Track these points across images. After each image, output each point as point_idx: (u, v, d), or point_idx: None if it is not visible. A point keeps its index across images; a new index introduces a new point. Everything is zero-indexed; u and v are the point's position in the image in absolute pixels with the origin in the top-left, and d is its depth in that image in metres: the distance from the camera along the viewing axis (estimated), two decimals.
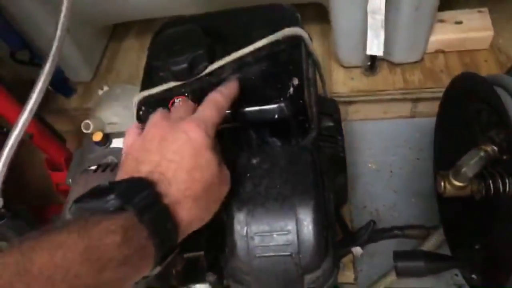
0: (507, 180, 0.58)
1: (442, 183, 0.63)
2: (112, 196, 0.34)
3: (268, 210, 0.46)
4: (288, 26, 0.62)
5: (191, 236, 0.53)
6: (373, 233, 0.85)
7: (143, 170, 0.39)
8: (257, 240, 0.45)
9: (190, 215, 0.39)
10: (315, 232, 0.45)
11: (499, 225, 0.61)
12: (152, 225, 0.34)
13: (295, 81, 0.57)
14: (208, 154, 0.41)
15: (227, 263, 0.49)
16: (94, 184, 0.48)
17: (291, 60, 0.60)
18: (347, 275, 0.80)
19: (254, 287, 0.47)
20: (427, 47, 0.91)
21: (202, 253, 0.57)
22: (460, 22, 0.89)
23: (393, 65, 0.93)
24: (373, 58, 0.87)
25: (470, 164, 0.57)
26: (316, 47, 1.00)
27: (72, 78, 1.09)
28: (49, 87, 1.05)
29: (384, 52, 0.90)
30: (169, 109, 0.59)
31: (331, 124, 0.75)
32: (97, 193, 0.36)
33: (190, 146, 0.41)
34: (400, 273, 0.67)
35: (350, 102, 0.96)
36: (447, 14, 0.90)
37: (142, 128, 0.46)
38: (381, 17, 0.75)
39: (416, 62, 0.92)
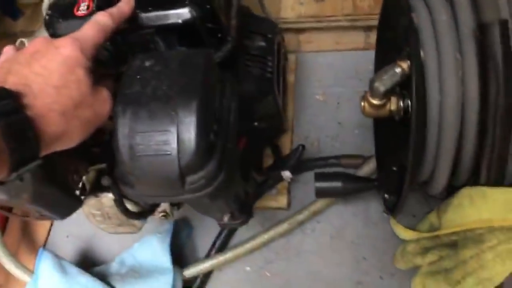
0: None
1: (362, 103, 0.61)
2: None
3: (151, 110, 0.45)
4: None
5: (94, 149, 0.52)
6: (309, 161, 0.86)
7: (10, 81, 0.39)
8: (138, 139, 0.45)
9: (56, 129, 0.40)
10: (196, 132, 0.44)
11: None
12: (7, 129, 0.35)
13: None
14: (80, 72, 0.42)
15: (115, 165, 0.49)
16: None
17: None
18: (280, 200, 0.81)
19: (138, 187, 0.47)
20: None
21: (104, 165, 0.57)
22: None
23: None
24: None
25: (383, 79, 0.55)
26: None
27: None
28: None
29: None
30: (74, 14, 0.57)
31: (263, 44, 0.73)
32: None
33: (60, 62, 0.42)
34: (319, 193, 0.67)
35: (300, 30, 0.93)
36: None
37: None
38: None
39: None
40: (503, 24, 0.44)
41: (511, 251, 0.47)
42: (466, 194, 0.50)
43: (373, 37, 0.93)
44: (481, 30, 0.45)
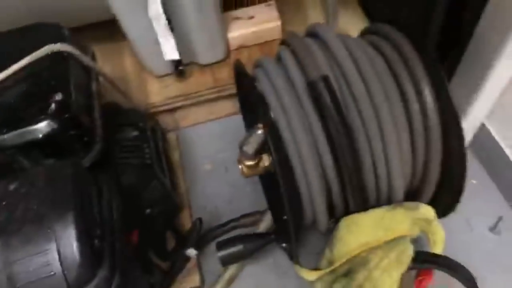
0: None
1: (240, 166, 0.66)
2: None
3: (24, 234, 0.43)
4: (52, 43, 0.61)
5: None
6: (211, 231, 0.87)
7: None
8: (16, 268, 0.42)
9: None
10: (78, 244, 0.43)
11: None
12: None
13: (58, 96, 0.56)
14: None
15: None
16: None
17: (53, 76, 0.58)
18: (192, 279, 0.80)
19: None
20: (230, 45, 0.96)
21: None
22: (252, 17, 0.96)
23: (202, 66, 0.96)
24: (176, 62, 0.89)
25: (249, 142, 0.60)
26: (128, 62, 0.99)
27: None
28: None
29: (191, 55, 0.94)
30: None
31: (136, 133, 0.75)
32: None
33: None
34: (224, 262, 0.69)
35: (173, 109, 0.97)
36: (241, 12, 0.97)
37: None
38: (163, 21, 0.77)
39: (223, 60, 0.96)
40: (325, 78, 0.52)
41: (391, 263, 0.53)
42: (344, 225, 0.56)
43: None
44: (311, 87, 0.53)
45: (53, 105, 0.54)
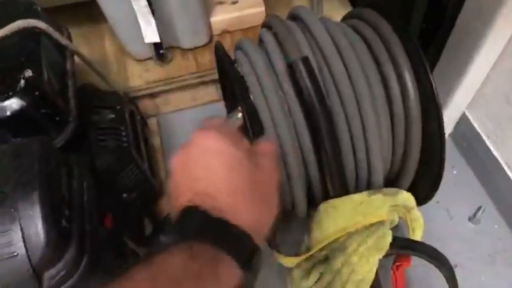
0: None
1: None
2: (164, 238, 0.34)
3: None
4: (22, 19, 0.58)
5: None
6: None
7: (187, 196, 0.36)
8: None
9: (250, 215, 0.36)
10: (43, 224, 0.41)
11: None
12: (214, 237, 0.33)
13: (28, 73, 0.53)
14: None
15: None
16: None
17: (23, 53, 0.56)
18: None
19: None
20: (213, 29, 0.94)
21: None
22: (236, 2, 0.94)
23: (185, 51, 0.94)
24: (156, 46, 0.86)
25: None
26: (108, 45, 0.97)
27: None
28: None
29: (173, 39, 0.92)
30: None
31: (112, 116, 0.72)
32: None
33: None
34: None
35: (154, 94, 0.95)
36: None
37: None
38: (144, 2, 0.75)
39: (205, 45, 0.94)
40: (305, 60, 0.51)
41: (369, 249, 0.52)
42: (323, 210, 0.55)
43: None
44: (291, 68, 0.52)
45: (22, 82, 0.52)
